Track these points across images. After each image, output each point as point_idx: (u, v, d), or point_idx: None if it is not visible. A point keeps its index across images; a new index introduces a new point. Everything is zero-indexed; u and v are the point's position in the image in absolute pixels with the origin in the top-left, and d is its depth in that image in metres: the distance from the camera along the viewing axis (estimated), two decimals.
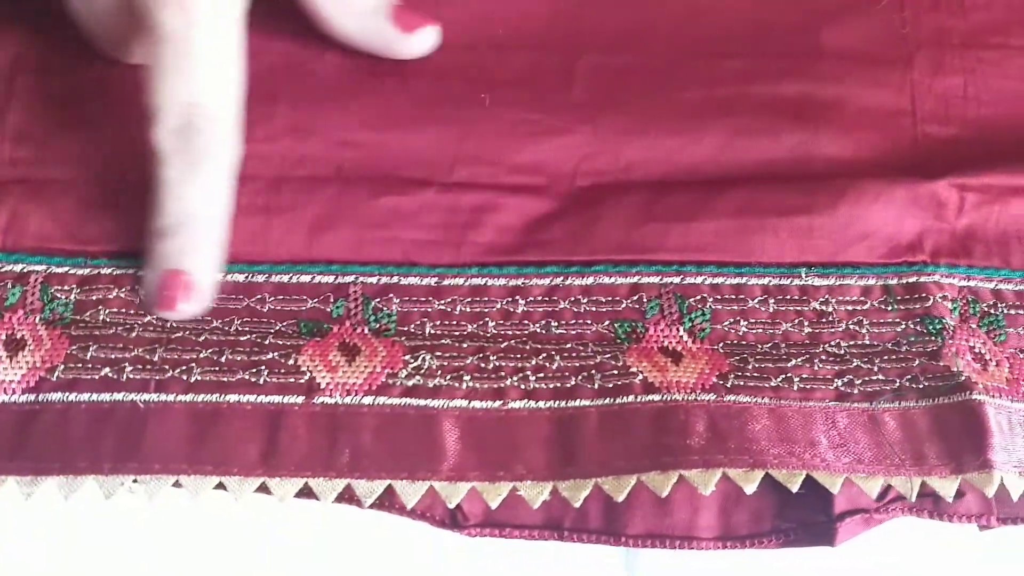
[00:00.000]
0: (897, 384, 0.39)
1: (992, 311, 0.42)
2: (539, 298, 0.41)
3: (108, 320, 0.39)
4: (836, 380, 0.39)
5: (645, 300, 0.41)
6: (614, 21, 0.46)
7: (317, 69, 0.44)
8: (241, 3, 0.37)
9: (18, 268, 0.40)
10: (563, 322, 0.41)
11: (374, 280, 0.41)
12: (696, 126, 0.44)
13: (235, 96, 0.38)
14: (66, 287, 0.40)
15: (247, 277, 0.41)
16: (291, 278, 0.41)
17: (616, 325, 0.41)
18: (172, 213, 0.37)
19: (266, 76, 0.43)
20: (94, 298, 0.40)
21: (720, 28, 0.46)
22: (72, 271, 0.40)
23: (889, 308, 0.41)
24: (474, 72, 0.45)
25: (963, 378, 0.38)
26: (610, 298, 0.41)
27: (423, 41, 0.44)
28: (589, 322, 0.41)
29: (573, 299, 0.41)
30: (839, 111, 0.44)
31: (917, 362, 0.39)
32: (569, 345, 0.40)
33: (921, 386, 0.38)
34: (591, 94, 0.44)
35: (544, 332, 0.41)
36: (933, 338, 0.40)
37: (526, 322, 0.41)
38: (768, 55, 0.45)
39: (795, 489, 0.35)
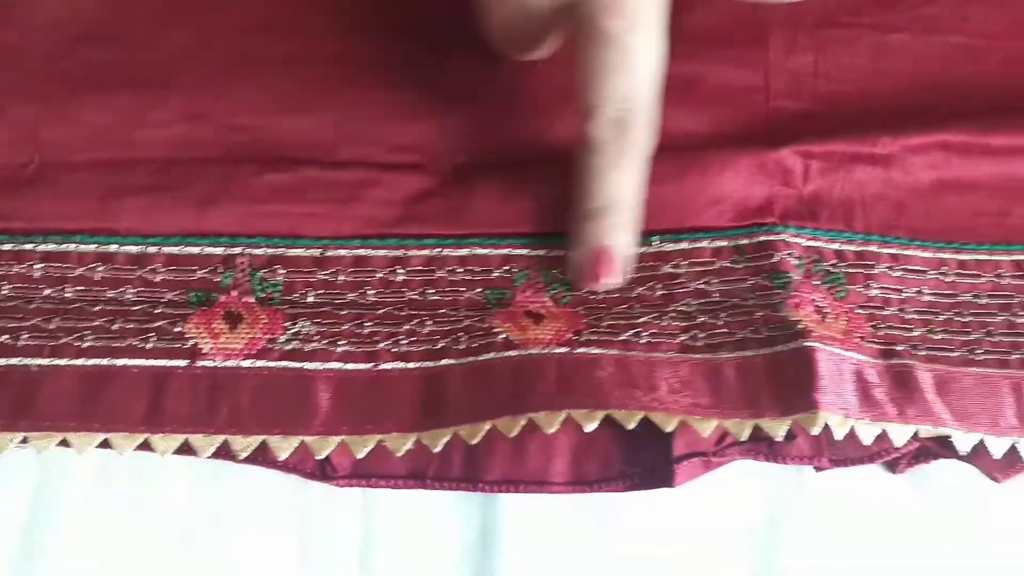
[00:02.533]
0: (739, 336, 0.40)
1: (834, 270, 0.43)
2: (418, 268, 0.43)
3: (10, 294, 0.41)
4: (682, 335, 0.40)
5: (515, 270, 0.42)
6: None
7: (207, 58, 0.46)
8: (664, 8, 0.39)
9: None
10: (439, 290, 0.42)
11: (261, 252, 0.42)
12: (557, 106, 0.45)
13: (657, 91, 0.39)
14: None
15: (140, 249, 0.42)
16: (181, 249, 0.42)
17: (487, 292, 0.42)
18: (601, 197, 0.39)
19: (160, 64, 0.45)
20: None
21: None
22: None
23: (738, 266, 0.43)
24: (355, 57, 0.46)
25: (800, 326, 0.39)
26: (483, 268, 0.43)
27: None
28: (463, 290, 0.42)
29: (449, 268, 0.43)
30: (696, 88, 0.46)
31: (759, 314, 0.41)
32: (442, 311, 0.42)
33: (761, 336, 0.40)
34: (463, 78, 0.45)
35: (420, 299, 0.42)
36: (778, 291, 0.41)
37: (404, 290, 0.42)
38: None
39: (630, 426, 0.37)
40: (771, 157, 0.44)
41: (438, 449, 0.38)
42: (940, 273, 0.44)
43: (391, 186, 0.44)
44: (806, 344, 0.39)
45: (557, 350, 0.39)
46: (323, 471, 0.41)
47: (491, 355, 0.40)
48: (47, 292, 0.41)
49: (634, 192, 0.40)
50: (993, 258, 0.44)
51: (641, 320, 0.41)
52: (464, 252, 0.43)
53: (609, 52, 0.37)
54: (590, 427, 0.37)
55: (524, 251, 0.43)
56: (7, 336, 0.39)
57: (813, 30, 0.47)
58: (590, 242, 0.40)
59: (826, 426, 0.37)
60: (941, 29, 0.48)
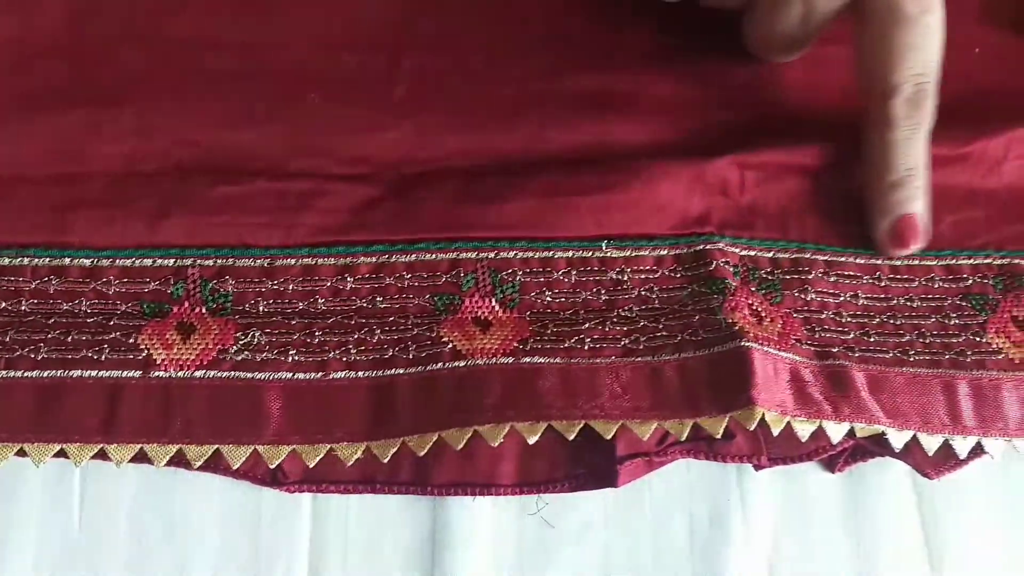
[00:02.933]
0: (678, 338, 0.41)
1: (769, 276, 0.45)
2: (367, 275, 0.43)
3: None
4: (624, 339, 0.42)
5: (462, 274, 0.43)
6: (433, 25, 0.48)
7: (159, 74, 0.46)
8: None
9: None
10: (388, 296, 0.43)
11: (211, 263, 0.43)
12: (507, 119, 0.46)
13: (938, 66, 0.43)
14: None
15: (93, 262, 0.43)
16: (134, 262, 0.43)
17: (435, 298, 0.43)
18: (900, 168, 0.43)
19: (113, 81, 0.45)
20: None
21: (528, 29, 0.48)
22: None
23: (678, 275, 0.44)
24: (305, 72, 0.47)
25: (736, 328, 0.41)
26: (431, 273, 0.44)
27: None
28: (411, 296, 0.43)
29: (398, 275, 0.43)
30: (635, 101, 0.47)
31: (697, 317, 0.42)
32: (391, 318, 0.43)
33: (699, 338, 0.41)
34: (414, 92, 0.47)
35: (370, 307, 0.43)
36: (715, 296, 0.43)
37: (353, 298, 0.43)
38: (572, 54, 0.48)
39: (571, 437, 0.38)
40: (710, 167, 0.45)
41: (387, 459, 0.39)
42: (874, 278, 0.45)
43: (340, 196, 0.45)
44: (742, 344, 0.40)
45: (503, 360, 0.40)
46: (274, 477, 0.42)
47: (439, 365, 0.41)
48: (2, 305, 0.42)
49: (926, 160, 0.43)
50: (924, 263, 0.46)
51: (585, 326, 0.42)
52: (412, 258, 0.44)
53: (910, 33, 0.41)
54: (533, 439, 0.38)
55: (472, 255, 0.44)
56: None
57: None
58: (896, 212, 0.43)
59: (764, 424, 0.39)
60: None
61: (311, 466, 0.39)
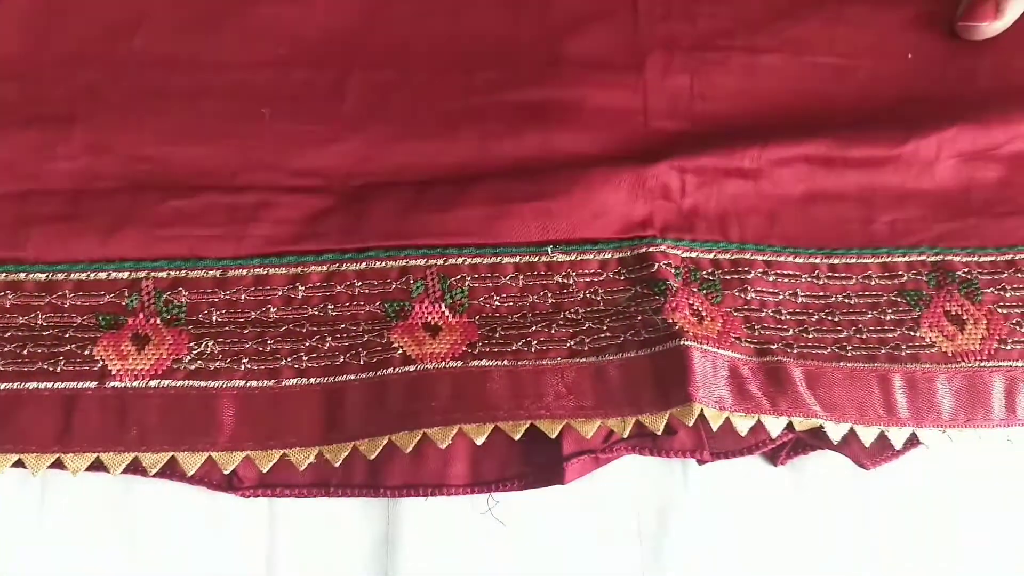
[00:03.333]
0: (621, 339, 0.43)
1: (710, 277, 0.46)
2: (318, 284, 0.44)
3: None
4: (569, 341, 0.43)
5: (412, 281, 0.45)
6: (379, 41, 0.49)
7: (111, 93, 0.47)
8: None
9: None
10: (339, 304, 0.44)
11: (164, 275, 0.44)
12: (453, 131, 0.47)
13: None
14: None
15: (48, 276, 0.44)
16: (88, 275, 0.44)
17: (386, 305, 0.44)
18: None
19: (66, 100, 0.46)
20: None
21: (471, 45, 0.49)
22: None
23: (622, 277, 0.45)
24: (255, 89, 0.48)
25: (676, 327, 0.42)
26: (382, 280, 0.45)
27: None
28: (362, 303, 0.44)
29: (348, 283, 0.44)
30: (577, 112, 0.48)
31: (640, 318, 0.43)
32: (343, 326, 0.44)
33: (641, 338, 0.43)
34: (361, 106, 0.48)
35: (321, 314, 0.44)
36: (657, 297, 0.44)
37: (305, 306, 0.44)
38: (515, 66, 0.49)
39: (516, 437, 0.40)
40: (650, 172, 0.46)
41: (338, 463, 0.40)
42: (813, 277, 0.47)
43: (290, 207, 0.46)
44: (682, 343, 0.41)
45: (452, 364, 0.42)
46: (230, 482, 0.43)
47: (389, 371, 0.42)
48: None
49: None
50: (862, 261, 0.47)
51: (532, 329, 0.43)
52: (362, 266, 0.45)
53: None
54: (480, 440, 0.40)
55: (421, 261, 0.45)
56: None
57: (688, 52, 0.50)
58: None
59: (704, 419, 0.40)
60: (810, 50, 0.51)
61: (265, 471, 0.40)
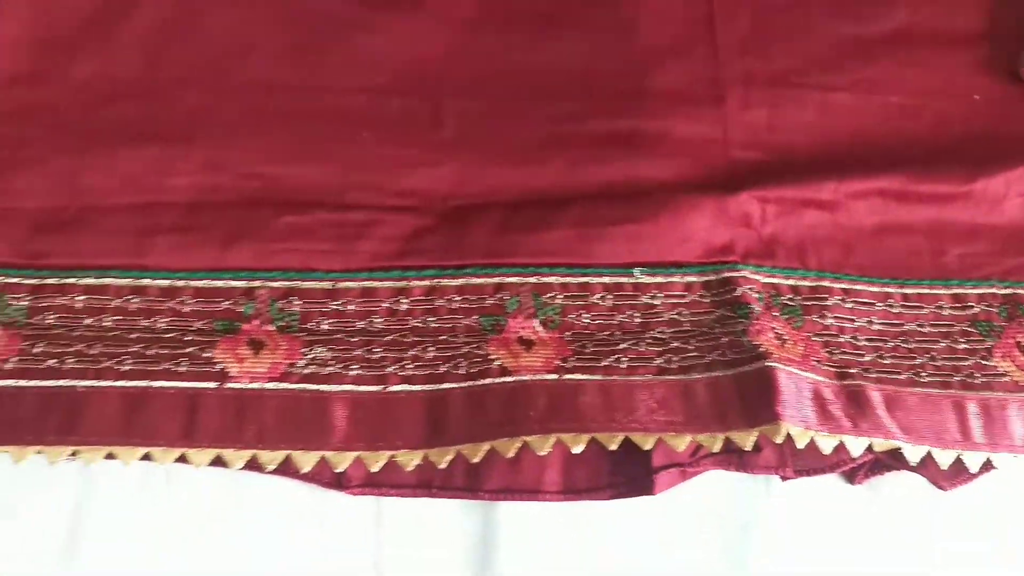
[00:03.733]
0: (708, 359, 0.45)
1: (790, 303, 0.48)
2: (419, 297, 0.47)
3: (54, 323, 0.45)
4: (658, 359, 0.45)
5: (507, 297, 0.47)
6: (472, 71, 0.52)
7: (224, 114, 0.50)
8: None
9: None
10: (439, 317, 0.47)
11: (278, 284, 0.47)
12: (541, 157, 0.50)
13: None
14: (19, 295, 0.45)
15: (170, 283, 0.46)
16: (207, 283, 0.46)
17: (483, 319, 0.47)
18: None
19: (182, 119, 0.49)
20: (42, 304, 0.45)
21: (553, 76, 0.52)
22: (23, 281, 0.46)
23: (706, 300, 0.47)
24: (356, 113, 0.51)
25: (761, 349, 0.44)
26: (478, 296, 0.47)
27: None
28: (460, 317, 0.47)
29: (448, 297, 0.47)
30: (661, 141, 0.51)
31: (725, 339, 0.45)
32: (443, 337, 0.46)
33: (727, 358, 0.45)
34: (456, 132, 0.51)
35: (423, 326, 0.46)
36: (742, 320, 0.46)
37: (408, 318, 0.46)
38: (598, 97, 0.52)
39: (612, 447, 0.42)
40: (732, 201, 0.49)
41: (443, 465, 0.42)
42: (887, 305, 0.49)
43: (393, 225, 0.48)
44: (767, 364, 0.43)
45: (547, 377, 0.44)
46: (339, 481, 0.45)
47: (488, 380, 0.44)
48: (87, 321, 0.45)
49: None
50: (933, 291, 0.49)
51: (621, 346, 0.45)
52: (460, 282, 0.47)
53: None
54: (577, 449, 0.42)
55: (515, 279, 0.47)
56: (54, 360, 0.43)
57: (766, 88, 0.53)
58: None
59: (788, 437, 0.42)
60: (881, 89, 0.54)
61: (374, 471, 0.42)
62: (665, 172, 0.50)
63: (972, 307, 0.49)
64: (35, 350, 0.43)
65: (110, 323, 0.45)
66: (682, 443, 0.42)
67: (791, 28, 0.53)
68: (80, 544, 0.44)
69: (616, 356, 0.45)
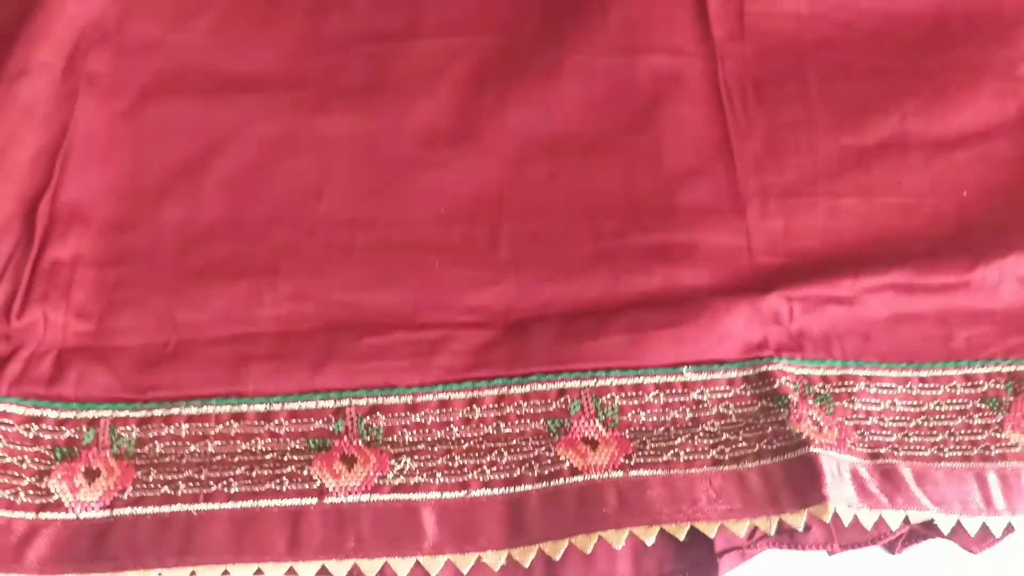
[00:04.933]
0: (757, 448, 0.49)
1: (822, 391, 0.52)
2: (490, 405, 0.51)
3: (162, 451, 0.48)
4: (711, 451, 0.49)
5: (569, 401, 0.51)
6: (520, 199, 0.57)
7: (306, 248, 0.54)
8: None
9: (90, 415, 0.49)
10: (510, 423, 0.50)
11: (363, 402, 0.50)
12: (590, 270, 0.55)
13: None
14: (128, 427, 0.49)
15: (266, 407, 0.50)
16: (300, 405, 0.50)
17: (549, 422, 0.50)
18: None
19: (268, 255, 0.54)
20: (150, 435, 0.49)
21: (597, 198, 0.57)
22: (131, 414, 0.49)
23: (748, 393, 0.51)
24: (424, 241, 0.55)
25: (804, 436, 0.48)
26: (543, 401, 0.51)
27: None
28: (529, 421, 0.50)
29: (516, 404, 0.51)
30: (694, 251, 0.56)
31: (770, 429, 0.50)
32: (515, 442, 0.50)
33: (774, 447, 0.49)
34: (513, 253, 0.55)
35: (495, 432, 0.50)
36: (782, 410, 0.50)
37: (481, 425, 0.50)
38: (636, 215, 0.56)
39: (681, 538, 0.45)
40: (763, 302, 0.53)
41: (527, 564, 0.45)
42: (907, 388, 0.53)
43: (463, 340, 0.52)
44: (811, 451, 0.48)
45: (613, 474, 0.48)
46: None
47: (561, 481, 0.48)
48: (192, 448, 0.48)
49: None
50: (946, 372, 0.54)
51: (677, 441, 0.49)
52: (527, 388, 0.51)
53: None
54: (650, 541, 0.45)
55: (576, 383, 0.51)
56: (167, 487, 0.46)
57: (780, 199, 0.58)
58: None
59: (835, 516, 0.46)
60: (881, 192, 0.59)
61: (465, 572, 0.45)
62: (700, 279, 0.55)
63: (981, 385, 0.53)
64: (149, 478, 0.47)
65: (213, 448, 0.48)
66: (742, 528, 0.46)
67: (798, 143, 0.59)
68: None
69: (674, 451, 0.49)
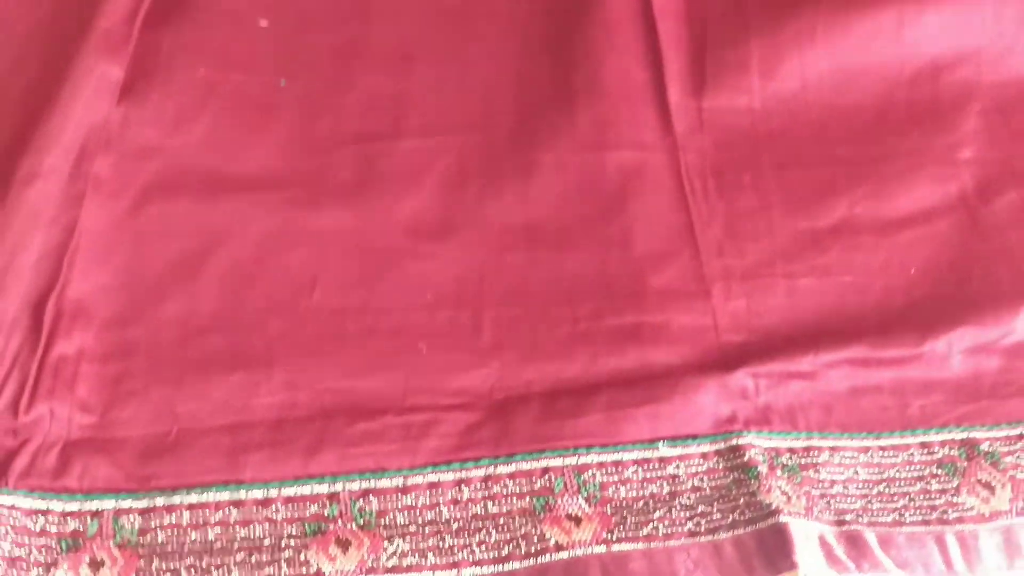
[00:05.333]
0: (730, 519, 0.52)
1: (789, 462, 0.56)
2: (478, 485, 0.53)
3: (163, 540, 0.50)
4: (688, 523, 0.52)
5: (553, 478, 0.53)
6: (503, 284, 0.60)
7: (297, 338, 0.57)
8: None
9: (94, 506, 0.51)
10: (497, 502, 0.53)
11: (356, 486, 0.53)
12: (568, 351, 0.58)
13: None
14: (131, 517, 0.50)
15: (264, 493, 0.52)
16: (295, 491, 0.52)
17: (534, 500, 0.53)
18: None
19: (263, 346, 0.56)
20: (152, 524, 0.50)
21: (574, 283, 0.60)
22: (134, 504, 0.51)
23: (720, 466, 0.54)
24: (411, 328, 0.58)
25: (773, 506, 0.51)
26: (528, 479, 0.53)
27: None
28: (515, 500, 0.53)
29: (502, 483, 0.53)
30: (664, 331, 0.59)
31: (742, 500, 0.52)
32: (502, 520, 0.52)
33: (746, 517, 0.52)
34: (495, 336, 0.58)
35: (483, 512, 0.52)
36: (752, 481, 0.53)
37: (470, 505, 0.52)
38: (610, 297, 0.60)
39: None
40: (730, 379, 0.57)
41: None
42: (868, 457, 0.56)
43: (450, 423, 0.55)
44: (781, 520, 0.51)
45: (596, 549, 0.50)
46: None
47: (547, 558, 0.50)
48: (194, 536, 0.50)
49: None
50: (904, 441, 0.57)
51: (656, 515, 0.52)
52: (512, 468, 0.54)
53: None
54: None
55: (559, 461, 0.54)
56: (170, 575, 0.48)
57: (742, 281, 0.62)
58: None
59: None
60: (835, 272, 0.63)
61: None
62: (671, 357, 0.58)
63: (937, 451, 0.57)
64: (152, 567, 0.48)
65: (214, 535, 0.50)
66: None
67: (756, 228, 0.63)
68: None
69: (653, 524, 0.51)
